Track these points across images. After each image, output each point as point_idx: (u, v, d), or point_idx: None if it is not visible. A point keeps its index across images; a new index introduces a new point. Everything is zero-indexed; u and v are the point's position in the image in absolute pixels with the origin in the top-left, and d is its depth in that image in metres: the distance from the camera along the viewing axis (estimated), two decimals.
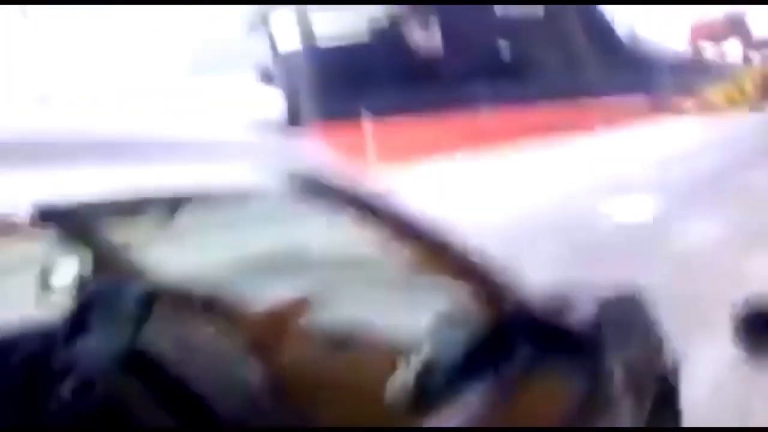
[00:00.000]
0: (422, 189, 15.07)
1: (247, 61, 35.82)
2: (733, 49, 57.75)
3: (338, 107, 28.10)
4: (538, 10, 32.20)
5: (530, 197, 11.64)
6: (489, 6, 30.30)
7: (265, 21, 31.14)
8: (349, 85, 28.05)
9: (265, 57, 32.75)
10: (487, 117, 28.95)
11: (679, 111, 38.44)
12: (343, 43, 28.61)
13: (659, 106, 38.01)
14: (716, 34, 56.88)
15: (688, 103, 39.78)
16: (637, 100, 37.49)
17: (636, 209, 9.20)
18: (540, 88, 30.84)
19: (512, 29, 30.41)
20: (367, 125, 28.05)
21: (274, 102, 34.12)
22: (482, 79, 29.06)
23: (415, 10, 28.31)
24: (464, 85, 28.61)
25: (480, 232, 8.83)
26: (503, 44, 30.58)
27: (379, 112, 27.52)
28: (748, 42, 56.97)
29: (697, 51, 57.08)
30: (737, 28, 56.70)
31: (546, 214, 9.64)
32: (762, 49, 55.30)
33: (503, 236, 8.31)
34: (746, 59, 55.74)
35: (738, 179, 11.08)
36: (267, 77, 34.02)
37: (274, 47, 31.48)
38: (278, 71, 32.26)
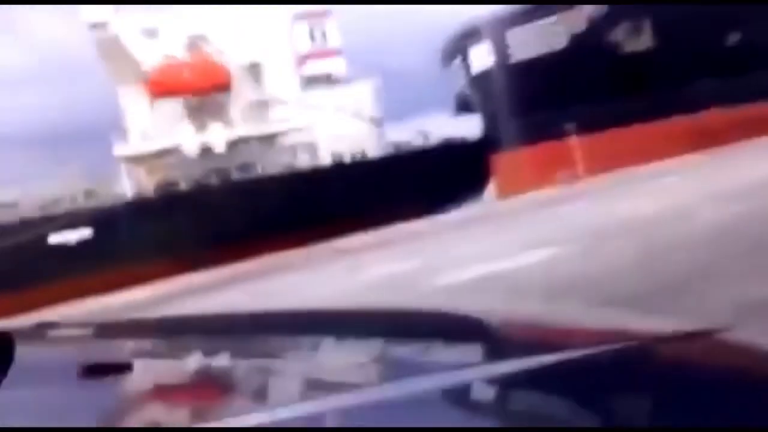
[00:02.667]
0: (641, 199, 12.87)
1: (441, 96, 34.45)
2: None
3: (540, 125, 26.26)
4: None
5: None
6: None
7: (461, 50, 30.24)
8: (549, 100, 25.99)
9: (461, 86, 31.83)
10: (709, 118, 25.17)
11: None
12: (541, 56, 26.72)
13: None
14: None
15: None
16: None
17: None
18: None
19: (738, 16, 26.18)
20: (573, 142, 25.83)
21: (473, 130, 33.00)
22: (703, 79, 25.42)
23: (622, 10, 25.68)
24: (681, 88, 25.24)
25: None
26: (729, 35, 26.35)
27: (585, 125, 25.19)
28: None
29: None
30: None
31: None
32: None
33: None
34: None
35: None
36: (465, 105, 33.06)
37: (469, 74, 30.37)
38: (475, 97, 31.10)
